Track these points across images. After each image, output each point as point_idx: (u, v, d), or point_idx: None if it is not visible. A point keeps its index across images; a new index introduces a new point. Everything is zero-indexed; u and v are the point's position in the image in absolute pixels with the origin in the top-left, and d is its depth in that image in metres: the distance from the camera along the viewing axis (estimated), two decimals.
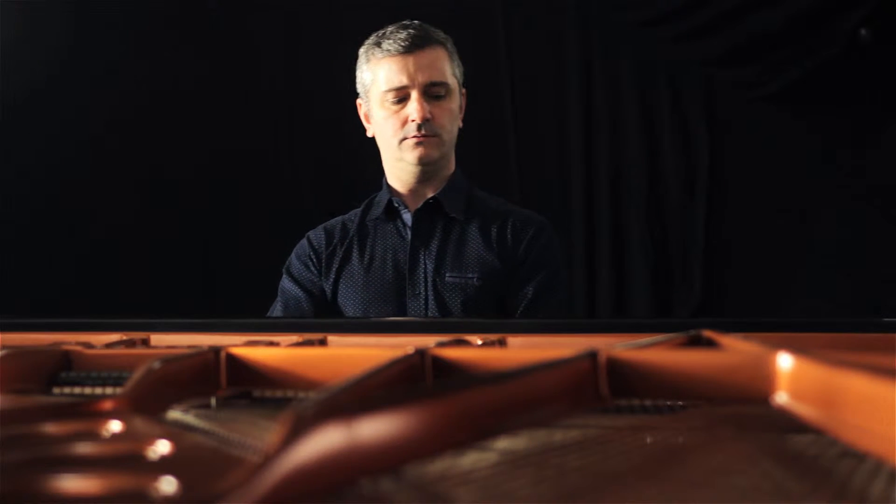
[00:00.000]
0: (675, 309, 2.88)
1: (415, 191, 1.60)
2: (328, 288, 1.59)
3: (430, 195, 1.59)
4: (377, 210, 1.62)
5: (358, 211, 1.68)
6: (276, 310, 1.61)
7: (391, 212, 1.61)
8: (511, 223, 1.58)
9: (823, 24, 2.69)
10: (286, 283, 1.63)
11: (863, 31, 2.66)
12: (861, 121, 2.74)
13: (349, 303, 1.56)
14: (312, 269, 1.61)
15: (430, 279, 1.53)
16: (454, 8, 2.76)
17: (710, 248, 2.87)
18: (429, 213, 1.59)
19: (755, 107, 2.85)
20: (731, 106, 2.88)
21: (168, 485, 0.35)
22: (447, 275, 1.53)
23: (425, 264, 1.55)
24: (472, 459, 0.47)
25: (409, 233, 1.58)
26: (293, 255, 1.67)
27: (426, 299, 1.52)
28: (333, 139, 3.16)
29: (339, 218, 1.70)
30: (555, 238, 1.62)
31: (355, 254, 1.60)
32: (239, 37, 3.19)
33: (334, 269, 1.60)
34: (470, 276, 1.52)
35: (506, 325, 0.93)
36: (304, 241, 1.67)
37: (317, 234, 1.66)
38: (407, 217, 1.60)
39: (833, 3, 2.69)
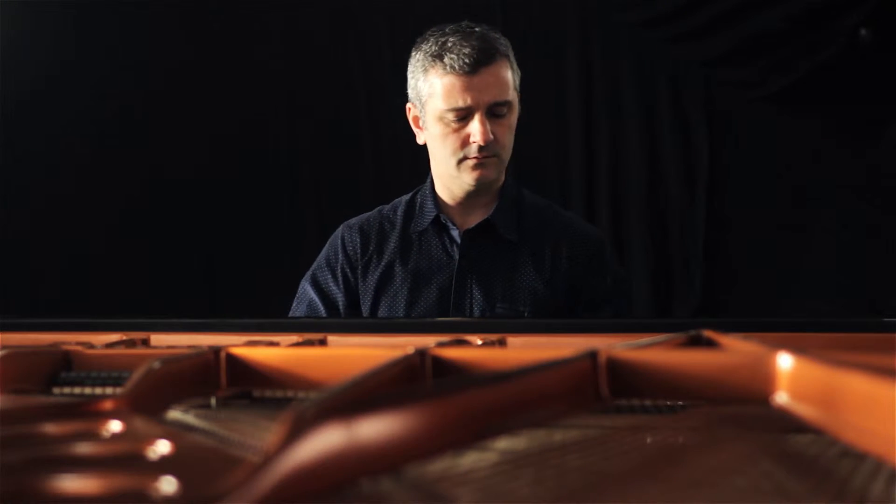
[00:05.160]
0: (675, 309, 2.88)
1: (464, 205, 1.50)
2: (367, 301, 1.48)
3: (480, 211, 1.50)
4: (422, 222, 1.51)
5: (398, 208, 1.56)
6: (295, 314, 1.53)
7: (438, 225, 1.51)
8: (566, 246, 1.49)
9: (823, 24, 2.69)
10: (310, 290, 1.52)
11: (863, 31, 2.66)
12: (861, 121, 2.74)
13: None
14: (340, 282, 1.51)
15: (477, 308, 1.44)
16: (454, 7, 2.76)
17: (710, 248, 2.87)
18: (480, 234, 1.49)
19: (755, 107, 2.85)
20: (731, 106, 2.89)
21: (168, 485, 0.35)
22: (497, 305, 1.44)
23: (472, 291, 1.46)
24: (472, 459, 0.47)
25: (456, 251, 1.48)
26: (323, 257, 1.55)
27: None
28: (334, 139, 3.16)
29: (375, 213, 1.57)
30: (612, 253, 1.55)
31: (398, 269, 1.49)
32: (240, 36, 3.19)
33: (374, 283, 1.49)
34: (521, 308, 1.44)
35: (506, 325, 0.93)
36: (336, 242, 1.55)
37: (351, 237, 1.54)
38: (455, 234, 1.49)
39: (833, 3, 2.69)
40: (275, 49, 3.21)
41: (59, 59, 2.89)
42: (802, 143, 2.80)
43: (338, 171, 3.14)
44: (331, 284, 1.51)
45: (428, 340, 0.75)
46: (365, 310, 1.49)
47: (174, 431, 0.48)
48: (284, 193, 3.22)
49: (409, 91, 1.50)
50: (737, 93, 2.89)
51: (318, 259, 1.57)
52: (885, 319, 0.85)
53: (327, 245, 1.57)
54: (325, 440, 0.35)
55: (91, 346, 0.81)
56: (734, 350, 0.58)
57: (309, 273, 1.55)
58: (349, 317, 1.50)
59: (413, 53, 1.48)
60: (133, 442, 0.43)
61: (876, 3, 2.64)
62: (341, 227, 1.58)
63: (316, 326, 0.98)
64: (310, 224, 3.08)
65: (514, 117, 1.47)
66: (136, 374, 0.55)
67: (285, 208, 3.21)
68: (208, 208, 3.14)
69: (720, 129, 2.89)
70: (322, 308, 1.50)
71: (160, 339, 0.97)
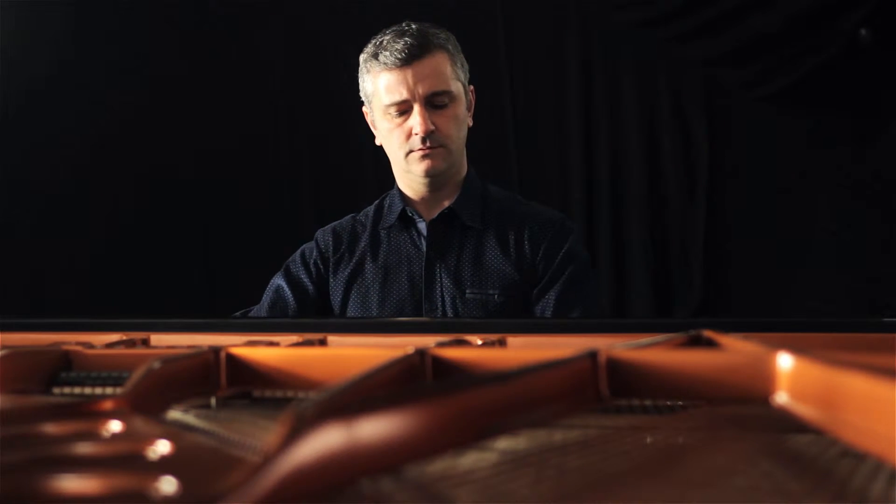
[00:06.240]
0: (675, 309, 2.88)
1: (428, 199, 1.55)
2: (338, 297, 1.53)
3: (444, 202, 1.54)
4: (390, 218, 1.57)
5: (369, 212, 1.62)
6: (263, 306, 1.56)
7: (405, 220, 1.56)
8: (528, 229, 1.51)
9: (823, 24, 2.69)
10: (280, 280, 1.57)
11: (863, 31, 2.66)
12: (861, 121, 2.74)
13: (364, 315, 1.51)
14: (313, 273, 1.56)
15: (448, 295, 1.48)
16: (454, 8, 2.76)
17: (710, 248, 2.87)
18: (444, 223, 1.54)
19: (755, 107, 2.85)
20: (731, 106, 2.89)
21: (168, 485, 0.34)
22: (467, 291, 1.47)
23: (441, 279, 1.49)
24: (472, 459, 0.47)
25: (424, 243, 1.53)
26: (298, 253, 1.61)
27: (444, 315, 1.47)
28: (334, 139, 3.16)
29: (348, 218, 1.64)
30: (575, 239, 1.54)
31: (369, 265, 1.54)
32: (239, 36, 3.19)
33: (344, 279, 1.54)
34: (491, 292, 1.47)
35: (506, 325, 0.93)
36: (312, 243, 1.61)
37: (324, 236, 1.61)
38: (422, 226, 1.55)
39: (833, 3, 2.69)
40: (275, 49, 3.21)
41: (58, 59, 2.89)
42: (802, 143, 2.80)
43: (338, 171, 3.14)
44: (301, 275, 1.57)
45: (428, 340, 0.75)
46: (336, 305, 1.54)
47: (174, 431, 0.48)
48: (284, 193, 3.22)
49: (361, 95, 1.57)
50: (737, 93, 2.89)
51: (291, 257, 1.62)
52: (885, 319, 0.85)
53: (301, 248, 1.63)
54: (325, 440, 0.35)
55: (91, 346, 0.81)
56: (734, 350, 0.58)
57: (281, 271, 1.61)
58: (347, 317, 1.52)
59: (360, 58, 1.54)
60: (133, 442, 0.43)
61: (876, 3, 2.64)
62: (317, 232, 1.64)
63: (316, 326, 0.98)
64: (310, 224, 3.08)
65: (459, 108, 1.50)
66: (136, 374, 0.55)
67: (285, 208, 3.21)
68: (208, 208, 3.14)
69: (720, 129, 2.89)
70: (289, 293, 1.55)
71: (160, 339, 0.97)
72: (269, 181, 3.21)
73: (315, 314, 1.54)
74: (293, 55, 3.20)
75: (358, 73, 1.56)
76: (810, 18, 2.70)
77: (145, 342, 0.97)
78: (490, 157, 2.98)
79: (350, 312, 1.52)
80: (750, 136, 2.87)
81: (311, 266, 1.57)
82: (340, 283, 1.54)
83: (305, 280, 1.56)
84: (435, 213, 1.55)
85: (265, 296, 1.58)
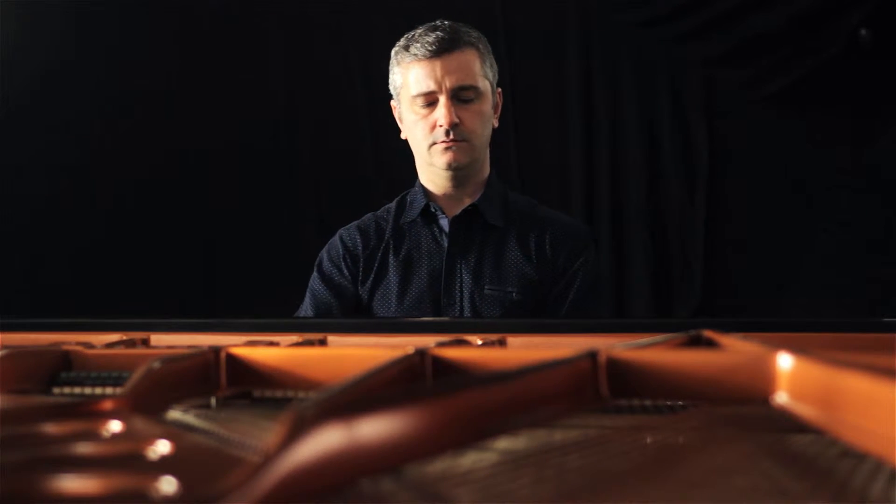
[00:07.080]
0: (675, 309, 2.88)
1: (450, 195, 1.57)
2: (364, 293, 1.54)
3: (466, 200, 1.56)
4: (412, 213, 1.58)
5: (391, 208, 1.63)
6: (307, 311, 1.56)
7: (427, 215, 1.57)
8: (550, 233, 1.54)
9: (823, 24, 2.69)
10: (317, 283, 1.57)
11: (863, 31, 2.66)
12: (861, 121, 2.74)
13: (383, 311, 1.52)
14: (346, 272, 1.56)
15: (466, 291, 1.50)
16: (454, 8, 2.76)
17: (710, 248, 2.87)
18: (467, 220, 1.55)
19: (755, 107, 2.85)
20: (731, 106, 2.88)
21: (168, 485, 0.35)
22: (486, 287, 1.49)
23: (461, 275, 1.51)
24: (472, 459, 0.47)
25: (445, 239, 1.54)
26: (324, 254, 1.61)
27: (461, 311, 1.49)
28: (334, 139, 3.16)
29: (370, 216, 1.64)
30: (593, 248, 1.59)
31: (391, 259, 1.55)
32: (240, 35, 3.19)
33: (372, 274, 1.55)
34: (509, 289, 1.49)
35: (506, 325, 0.93)
36: (335, 241, 1.61)
37: (350, 235, 1.61)
38: (444, 222, 1.56)
39: (833, 3, 2.69)
40: (275, 49, 3.21)
41: (58, 59, 2.89)
42: (802, 144, 2.80)
43: (338, 171, 3.14)
44: (335, 275, 1.57)
45: (428, 340, 0.75)
46: (364, 300, 1.55)
47: (174, 431, 0.48)
48: (284, 193, 3.22)
49: (390, 88, 1.60)
50: (737, 93, 2.89)
51: (318, 260, 1.61)
52: (885, 319, 0.85)
53: (325, 248, 1.62)
54: (325, 440, 0.35)
55: (91, 346, 0.81)
56: (734, 350, 0.58)
57: (314, 273, 1.60)
58: (349, 316, 1.53)
59: (391, 52, 1.58)
60: (133, 442, 0.43)
61: (876, 3, 2.64)
62: (338, 232, 1.63)
63: (316, 326, 0.98)
64: (310, 224, 3.08)
65: (485, 105, 1.52)
66: (136, 374, 0.55)
67: (285, 208, 3.21)
68: (208, 208, 3.13)
69: (720, 129, 2.89)
70: (329, 294, 1.54)
71: (160, 339, 0.97)
72: (269, 181, 3.21)
73: (353, 311, 1.55)
74: (293, 55, 3.20)
75: (389, 69, 1.58)
76: (810, 18, 2.70)
77: (145, 342, 0.97)
78: (490, 158, 2.98)
79: (375, 306, 1.53)
80: (750, 136, 2.87)
81: (342, 264, 1.57)
82: (370, 278, 1.55)
83: (339, 279, 1.57)
84: (457, 210, 1.56)
85: (307, 302, 1.58)
